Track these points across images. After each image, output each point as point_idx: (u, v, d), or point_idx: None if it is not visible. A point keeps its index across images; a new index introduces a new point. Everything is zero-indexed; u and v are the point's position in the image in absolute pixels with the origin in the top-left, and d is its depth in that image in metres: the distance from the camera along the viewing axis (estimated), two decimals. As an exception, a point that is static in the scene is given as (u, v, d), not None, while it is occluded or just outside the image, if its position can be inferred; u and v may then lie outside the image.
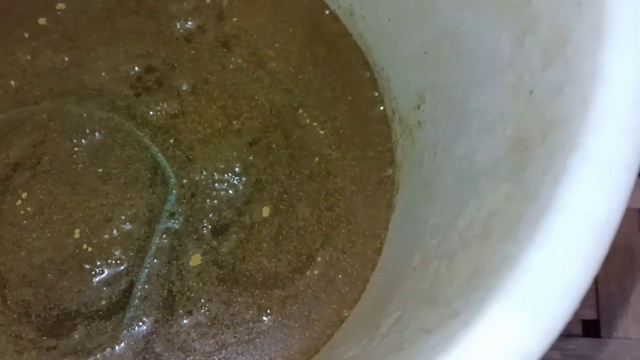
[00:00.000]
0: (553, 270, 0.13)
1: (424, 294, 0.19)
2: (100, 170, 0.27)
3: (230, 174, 0.27)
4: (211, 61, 0.29)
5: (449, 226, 0.20)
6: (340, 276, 0.27)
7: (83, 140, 0.27)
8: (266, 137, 0.28)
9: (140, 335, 0.25)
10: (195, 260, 0.26)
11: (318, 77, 0.29)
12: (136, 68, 0.28)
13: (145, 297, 0.26)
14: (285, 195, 0.28)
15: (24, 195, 0.26)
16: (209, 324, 0.26)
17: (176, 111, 0.28)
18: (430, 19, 0.24)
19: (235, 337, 0.26)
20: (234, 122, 0.28)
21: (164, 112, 0.28)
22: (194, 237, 0.27)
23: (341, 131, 0.29)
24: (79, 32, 0.28)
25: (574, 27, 0.15)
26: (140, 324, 0.25)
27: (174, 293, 0.26)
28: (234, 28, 0.29)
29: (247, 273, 0.26)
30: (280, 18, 0.30)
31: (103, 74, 0.28)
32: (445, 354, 0.13)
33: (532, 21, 0.17)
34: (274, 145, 0.28)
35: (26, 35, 0.28)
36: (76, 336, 0.25)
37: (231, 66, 0.29)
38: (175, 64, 0.29)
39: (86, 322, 0.25)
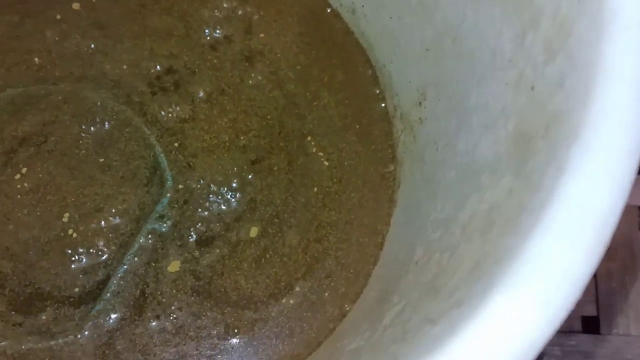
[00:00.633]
0: (555, 260, 0.14)
1: (426, 286, 0.20)
2: (101, 159, 0.28)
3: (226, 188, 0.28)
4: (232, 73, 0.30)
5: (450, 220, 0.21)
6: (314, 307, 0.27)
7: (92, 128, 0.28)
8: (270, 158, 0.29)
9: (105, 329, 0.26)
10: (174, 266, 0.27)
11: (332, 104, 0.30)
12: (158, 67, 0.29)
13: (118, 292, 0.26)
14: (276, 220, 0.28)
15: (24, 170, 0.27)
16: (174, 332, 0.26)
17: (187, 116, 0.29)
18: (431, 16, 0.24)
19: (197, 350, 0.26)
20: (241, 138, 0.29)
21: (175, 115, 0.29)
22: (178, 243, 0.27)
23: (346, 163, 0.29)
24: (109, 22, 0.29)
25: (576, 21, 0.16)
26: (108, 318, 0.26)
27: (147, 295, 0.26)
28: (260, 44, 0.30)
29: (222, 289, 0.27)
30: (305, 39, 0.31)
31: (124, 66, 0.29)
32: (449, 343, 0.14)
33: (534, 16, 0.18)
34: (275, 168, 0.29)
35: (58, 17, 0.29)
36: (43, 317, 0.26)
37: (250, 81, 0.30)
38: (196, 70, 0.29)
39: (56, 305, 0.26)
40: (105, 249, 0.27)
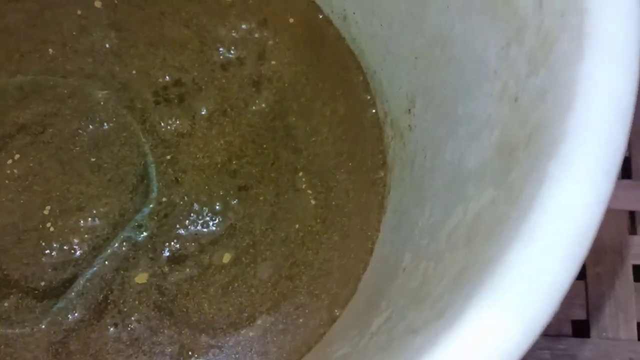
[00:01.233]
0: (534, 271, 0.14)
1: (413, 293, 0.21)
2: (93, 159, 0.29)
3: (208, 210, 0.29)
4: (237, 95, 0.30)
5: (437, 228, 0.22)
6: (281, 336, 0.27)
7: (90, 126, 0.29)
8: (257, 187, 0.29)
9: (62, 327, 0.27)
10: (142, 278, 0.28)
11: (330, 139, 0.31)
12: (167, 77, 0.30)
13: (82, 294, 0.27)
14: (252, 250, 0.29)
15: (17, 157, 0.28)
16: (129, 343, 0.27)
17: (185, 131, 0.30)
18: (421, 24, 0.25)
19: (148, 366, 0.27)
20: (234, 162, 0.29)
21: (173, 128, 0.29)
22: (150, 255, 0.28)
23: (333, 203, 0.30)
24: (127, 25, 0.31)
25: (558, 37, 0.17)
26: (67, 317, 0.27)
27: (109, 301, 0.27)
28: (270, 71, 0.31)
29: (185, 309, 0.28)
30: (315, 70, 0.31)
31: (134, 71, 0.30)
32: (430, 354, 0.15)
33: (519, 29, 0.19)
34: (261, 198, 0.29)
35: (79, 12, 0.30)
36: (6, 304, 0.27)
37: (253, 107, 0.30)
38: (203, 87, 0.30)
39: (20, 295, 0.27)
40: (79, 248, 0.28)
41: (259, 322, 0.28)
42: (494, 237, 0.16)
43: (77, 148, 0.29)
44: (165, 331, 0.27)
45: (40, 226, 0.28)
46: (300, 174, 0.30)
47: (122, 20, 0.31)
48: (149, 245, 0.28)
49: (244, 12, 0.31)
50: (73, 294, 0.27)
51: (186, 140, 0.30)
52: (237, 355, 0.28)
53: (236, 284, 0.28)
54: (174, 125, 0.30)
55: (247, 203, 0.29)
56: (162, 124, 0.30)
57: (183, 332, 0.27)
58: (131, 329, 0.27)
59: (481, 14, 0.21)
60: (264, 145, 0.30)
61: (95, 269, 0.28)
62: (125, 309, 0.27)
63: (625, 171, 0.34)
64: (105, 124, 0.29)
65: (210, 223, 0.29)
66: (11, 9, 0.30)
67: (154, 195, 0.29)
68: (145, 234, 0.28)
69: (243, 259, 0.29)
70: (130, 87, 0.30)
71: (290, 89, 0.31)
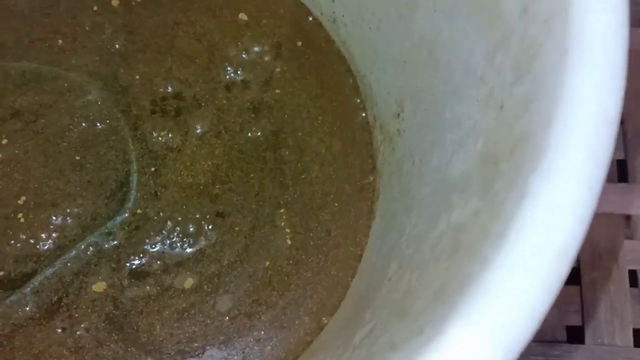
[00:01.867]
0: (513, 292, 0.14)
1: (396, 305, 0.21)
2: (77, 157, 0.29)
3: (180, 230, 0.29)
4: (235, 119, 0.30)
5: (422, 237, 0.22)
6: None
7: (83, 124, 0.29)
8: (235, 217, 0.29)
9: (11, 321, 0.27)
10: (99, 287, 0.28)
11: (320, 179, 0.31)
12: (168, 88, 0.30)
13: (38, 291, 0.27)
14: (216, 279, 0.28)
15: (5, 141, 0.29)
16: (73, 350, 0.27)
17: (175, 146, 0.30)
18: (409, 28, 0.26)
19: (87, 377, 0.27)
20: (217, 186, 0.29)
21: (163, 140, 0.30)
22: (113, 265, 0.28)
23: (312, 243, 0.30)
24: (140, 29, 0.31)
25: (542, 45, 0.17)
26: (18, 311, 0.27)
27: (62, 304, 0.27)
28: (273, 99, 0.31)
29: (135, 327, 0.27)
30: (317, 103, 0.32)
31: (137, 76, 0.30)
32: None
33: (503, 35, 0.19)
34: (237, 228, 0.29)
35: (95, 8, 0.31)
36: (-39, 287, 0.27)
37: (249, 134, 0.30)
38: (203, 104, 0.30)
39: (-23, 280, 0.27)
40: (44, 245, 0.28)
41: (208, 354, 0.28)
42: (476, 252, 0.16)
43: (65, 143, 0.29)
44: (112, 345, 0.27)
45: (12, 215, 0.28)
46: (282, 210, 0.30)
47: (136, 23, 0.31)
48: (114, 255, 0.28)
49: (258, 34, 0.32)
50: (28, 289, 0.28)
51: (174, 155, 0.30)
52: (180, 384, 0.27)
53: (193, 312, 0.28)
54: (165, 138, 0.30)
55: (221, 230, 0.29)
56: (154, 134, 0.30)
57: (129, 349, 0.27)
58: (78, 336, 0.27)
59: (467, 18, 0.21)
60: (251, 175, 0.30)
61: (55, 268, 0.28)
62: (76, 315, 0.28)
63: (621, 175, 0.34)
64: (97, 124, 0.30)
65: (179, 244, 0.29)
66: (30, -6, 0.31)
67: (129, 204, 0.29)
68: (112, 242, 0.28)
69: (205, 287, 0.28)
70: (130, 92, 0.30)
71: (290, 121, 0.31)
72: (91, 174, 0.29)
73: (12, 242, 0.28)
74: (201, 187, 0.30)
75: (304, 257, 0.29)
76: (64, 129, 0.30)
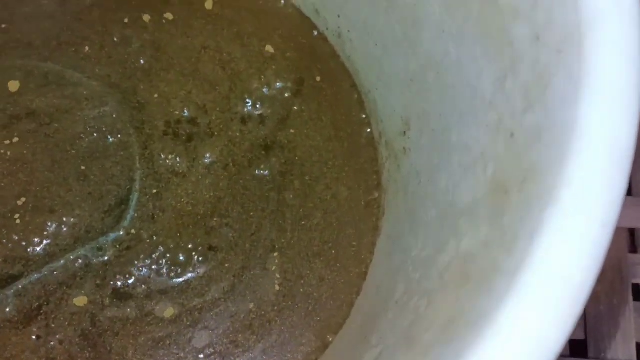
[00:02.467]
0: (527, 331, 0.15)
1: (404, 333, 0.21)
2: (83, 167, 0.30)
3: (170, 258, 0.29)
4: (245, 154, 0.31)
5: (430, 262, 0.23)
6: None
7: (94, 134, 0.30)
8: (227, 253, 0.29)
9: (-11, 321, 0.28)
10: (81, 301, 0.28)
11: (320, 226, 0.31)
12: (185, 112, 0.31)
13: (20, 294, 0.28)
14: (197, 314, 0.29)
15: (16, 140, 0.30)
16: (44, 359, 0.27)
17: (181, 171, 0.30)
18: (416, 47, 0.26)
19: (52, 389, 0.27)
20: (215, 219, 0.30)
21: (170, 164, 0.30)
22: (97, 282, 0.28)
23: (302, 290, 0.30)
24: (167, 48, 0.31)
25: (555, 74, 0.17)
26: (-3, 312, 0.28)
27: (42, 312, 0.28)
28: (286, 139, 0.31)
29: (108, 348, 0.28)
30: (329, 146, 0.32)
31: (156, 95, 0.31)
32: None
33: (514, 62, 0.19)
34: (227, 265, 0.29)
35: (126, 20, 0.31)
36: (-53, 278, 0.28)
37: (256, 171, 0.30)
38: (216, 134, 0.31)
39: (-36, 274, 0.28)
40: (35, 249, 0.29)
41: (176, 387, 0.28)
42: (486, 287, 0.16)
43: (73, 151, 0.30)
44: (82, 362, 0.28)
45: (9, 214, 0.29)
46: (276, 254, 0.30)
47: (164, 41, 0.32)
48: (101, 272, 0.29)
49: (282, 68, 0.32)
50: (12, 291, 0.28)
51: (178, 180, 0.30)
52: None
53: (168, 342, 0.28)
54: (172, 162, 0.30)
55: (210, 265, 0.29)
56: (162, 156, 0.30)
57: (98, 369, 0.28)
58: (51, 346, 0.28)
59: (476, 42, 0.21)
60: (251, 213, 0.30)
61: (41, 275, 0.29)
62: (53, 325, 0.28)
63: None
64: (109, 137, 0.30)
65: (167, 272, 0.29)
66: (66, -4, 0.32)
67: (125, 223, 0.29)
68: (102, 258, 0.29)
69: (185, 319, 0.29)
70: (147, 110, 0.31)
71: (299, 164, 0.31)
72: (93, 186, 0.30)
73: (4, 241, 0.29)
74: (199, 217, 0.30)
75: (290, 303, 0.29)
76: (75, 136, 0.30)
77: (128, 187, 0.30)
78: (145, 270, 0.29)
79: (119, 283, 0.29)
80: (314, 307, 0.30)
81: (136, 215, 0.30)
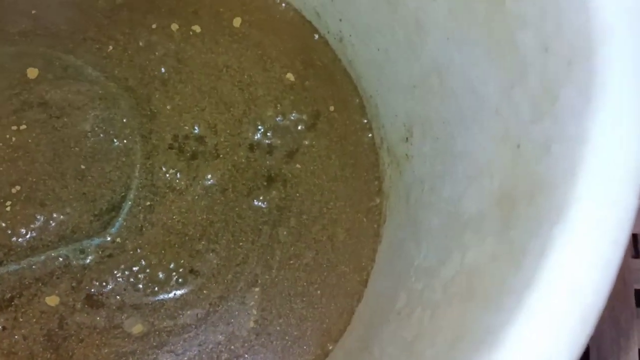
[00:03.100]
0: (536, 353, 0.14)
1: (407, 346, 0.22)
2: (82, 167, 0.30)
3: (149, 273, 0.29)
4: (246, 181, 0.30)
5: (433, 273, 0.23)
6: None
7: (101, 135, 0.30)
8: (208, 280, 0.29)
9: (-40, 303, 0.28)
10: (53, 300, 0.28)
11: (308, 267, 0.31)
12: (195, 128, 0.31)
13: (-5, 283, 0.28)
14: (165, 336, 0.29)
15: (23, 127, 0.30)
16: (5, 352, 0.28)
17: (178, 188, 0.30)
18: (419, 53, 0.26)
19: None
20: (202, 242, 0.29)
21: (169, 179, 0.30)
22: (73, 284, 0.29)
23: (278, 328, 0.30)
24: (189, 61, 0.32)
25: (564, 86, 0.17)
26: (-30, 296, 0.28)
27: (13, 304, 0.28)
28: (290, 173, 0.31)
29: (70, 353, 0.28)
30: (333, 186, 0.32)
31: (169, 106, 0.31)
32: None
33: (521, 71, 0.19)
34: (205, 292, 0.29)
35: (154, 26, 0.32)
36: None
37: (254, 202, 0.30)
38: (221, 156, 0.30)
39: (-53, 251, 0.28)
40: (18, 239, 0.29)
41: (129, 406, 0.28)
42: (493, 306, 0.16)
43: (77, 148, 0.30)
44: (42, 362, 0.28)
45: (1, 200, 0.29)
46: (257, 289, 0.29)
47: (187, 53, 0.32)
48: (78, 275, 0.29)
49: (300, 99, 0.32)
50: (-13, 278, 0.28)
51: (174, 196, 0.30)
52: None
53: (130, 359, 0.28)
54: (172, 177, 0.30)
55: (189, 289, 0.29)
56: (163, 169, 0.30)
57: (56, 372, 0.28)
58: (15, 340, 0.28)
59: (482, 50, 0.21)
60: (240, 243, 0.30)
61: (20, 266, 0.29)
62: (21, 319, 0.28)
63: None
64: (114, 141, 0.30)
65: (143, 287, 0.29)
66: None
67: (112, 230, 0.29)
68: (82, 261, 0.29)
69: (152, 339, 0.28)
70: (157, 120, 0.31)
71: (299, 201, 0.31)
72: (89, 187, 0.30)
73: (-9, 226, 0.29)
74: (187, 237, 0.30)
75: (263, 341, 0.29)
76: (82, 134, 0.31)
77: (123, 194, 0.30)
78: (122, 281, 0.29)
79: (94, 289, 0.29)
80: (291, 344, 0.29)
81: (125, 224, 0.30)
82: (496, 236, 0.18)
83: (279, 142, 0.31)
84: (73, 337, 0.29)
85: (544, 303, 0.14)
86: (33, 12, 0.32)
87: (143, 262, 0.29)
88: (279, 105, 0.32)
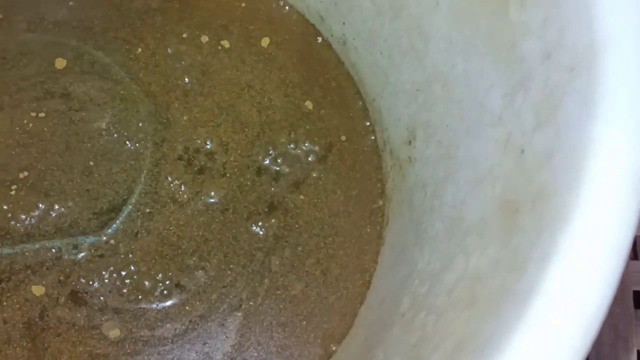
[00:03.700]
0: None
1: (410, 351, 0.22)
2: (91, 163, 0.31)
3: (136, 280, 0.29)
4: (247, 205, 0.31)
5: (436, 277, 0.23)
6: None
7: (115, 135, 0.31)
8: (192, 296, 0.30)
9: (-50, 277, 0.29)
10: (38, 290, 0.29)
11: (296, 299, 0.31)
12: (207, 144, 0.31)
13: (-14, 264, 0.29)
14: (141, 345, 0.30)
15: (41, 115, 0.31)
16: (-16, 334, 0.28)
17: (180, 200, 0.31)
18: (422, 58, 0.27)
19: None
20: (194, 258, 0.30)
21: (173, 190, 0.31)
22: (60, 277, 0.29)
23: (255, 354, 0.29)
24: (213, 75, 0.32)
25: (567, 94, 0.17)
26: (-39, 272, 0.29)
27: (0, 287, 0.29)
28: (293, 203, 0.31)
29: (46, 346, 0.29)
30: (335, 221, 0.32)
31: (185, 118, 0.31)
32: None
33: (524, 78, 0.20)
34: (187, 307, 0.30)
35: (184, 35, 0.32)
36: None
37: (252, 227, 0.30)
38: (227, 175, 0.31)
39: (-53, 224, 0.29)
40: (16, 224, 0.30)
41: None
42: (496, 313, 0.17)
43: (89, 144, 0.31)
44: (17, 350, 0.29)
45: (8, 183, 0.30)
46: (239, 314, 0.30)
47: (213, 67, 0.32)
48: (67, 269, 0.30)
49: (315, 131, 0.32)
50: (-19, 257, 0.29)
51: (174, 208, 0.31)
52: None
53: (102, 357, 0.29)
54: (175, 188, 0.31)
55: (172, 302, 0.30)
56: (168, 179, 0.31)
57: (29, 362, 0.28)
58: (-5, 324, 0.29)
59: (485, 57, 0.22)
60: (231, 266, 0.30)
61: (13, 251, 0.30)
62: (5, 303, 0.29)
63: None
64: (127, 143, 0.31)
65: (127, 293, 0.29)
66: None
67: (108, 231, 0.30)
68: (73, 257, 0.30)
69: (127, 345, 0.29)
70: (172, 129, 0.32)
71: (297, 233, 0.31)
72: (94, 184, 0.31)
73: (-7, 208, 0.30)
74: (179, 251, 0.30)
75: (236, 367, 0.29)
76: (97, 131, 0.31)
77: (125, 197, 0.31)
78: (108, 283, 0.30)
79: (79, 287, 0.30)
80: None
81: (122, 227, 0.30)
82: (499, 242, 0.19)
83: (287, 170, 0.32)
84: (51, 330, 0.29)
85: (547, 311, 0.15)
86: (70, 3, 0.33)
87: (132, 268, 0.30)
88: (293, 133, 0.32)
